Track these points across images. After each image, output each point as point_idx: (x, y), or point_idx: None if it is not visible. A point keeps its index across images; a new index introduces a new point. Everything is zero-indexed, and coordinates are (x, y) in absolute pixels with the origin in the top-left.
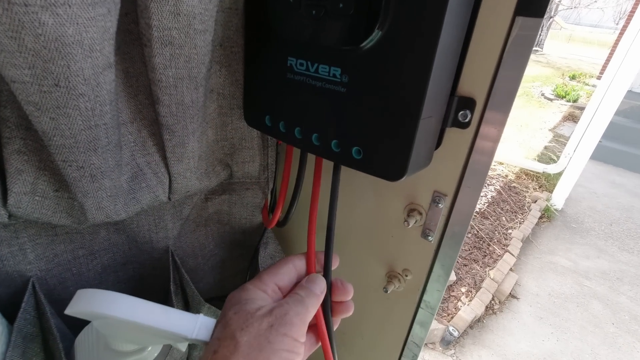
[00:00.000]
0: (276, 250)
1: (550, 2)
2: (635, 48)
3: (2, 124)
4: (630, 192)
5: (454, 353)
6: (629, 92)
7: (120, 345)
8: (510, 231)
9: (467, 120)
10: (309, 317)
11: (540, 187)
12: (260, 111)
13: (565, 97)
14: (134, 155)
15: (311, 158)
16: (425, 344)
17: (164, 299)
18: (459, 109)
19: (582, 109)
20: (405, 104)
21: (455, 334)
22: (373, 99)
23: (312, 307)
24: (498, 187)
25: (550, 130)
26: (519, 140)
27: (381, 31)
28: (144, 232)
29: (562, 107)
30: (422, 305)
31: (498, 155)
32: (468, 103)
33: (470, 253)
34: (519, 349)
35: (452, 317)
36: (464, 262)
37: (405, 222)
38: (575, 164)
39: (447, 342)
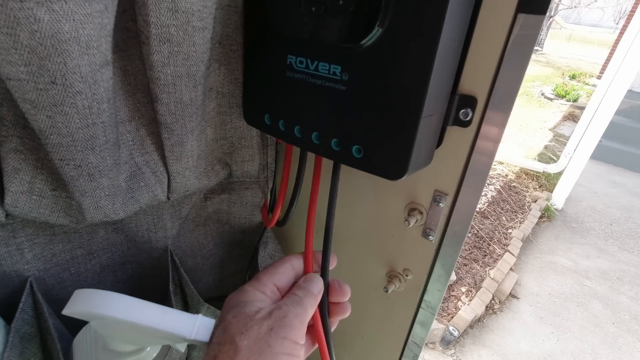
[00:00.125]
0: (276, 249)
1: (551, 0)
2: (636, 47)
3: None
4: (631, 192)
5: (454, 353)
6: (629, 91)
7: (119, 345)
8: (510, 231)
9: (468, 118)
10: (308, 317)
11: (540, 186)
12: (259, 110)
13: (565, 96)
14: (132, 154)
15: (311, 157)
16: (426, 344)
17: (162, 299)
18: (460, 108)
19: (582, 108)
20: (406, 102)
21: (456, 333)
22: (373, 97)
23: (311, 308)
24: (498, 187)
25: (550, 129)
26: (519, 139)
27: (381, 28)
28: (142, 231)
29: (562, 107)
30: (422, 305)
31: (498, 155)
32: (469, 101)
33: (471, 253)
34: (519, 348)
35: (452, 317)
36: (464, 262)
37: (406, 222)
38: (575, 164)
39: (447, 342)
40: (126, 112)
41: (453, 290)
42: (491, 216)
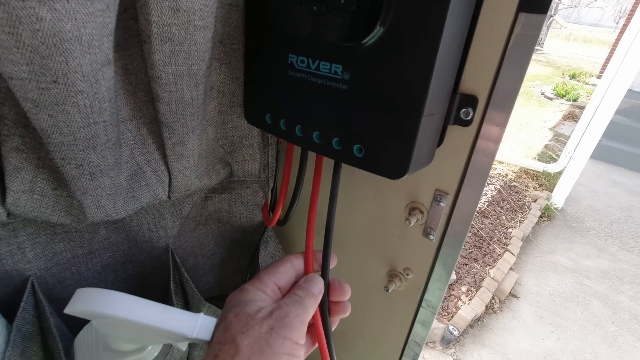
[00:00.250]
0: (276, 249)
1: None
2: (636, 47)
3: (0, 121)
4: (631, 191)
5: (454, 352)
6: (629, 91)
7: (120, 344)
8: (510, 230)
9: (469, 117)
10: (308, 317)
11: (540, 186)
12: (260, 109)
13: (565, 96)
14: (133, 153)
15: (312, 156)
16: (426, 343)
17: (163, 298)
18: (461, 107)
19: (582, 108)
20: (407, 101)
21: (456, 333)
22: (375, 96)
23: (311, 308)
24: (498, 186)
25: (550, 129)
26: (519, 139)
27: (383, 27)
28: (143, 230)
29: (562, 106)
30: (423, 304)
31: (498, 154)
32: (470, 100)
33: (471, 252)
34: (519, 348)
35: (452, 316)
36: (464, 261)
37: (407, 221)
38: (575, 163)
39: (447, 341)
40: (127, 111)
41: (453, 290)
42: (491, 215)
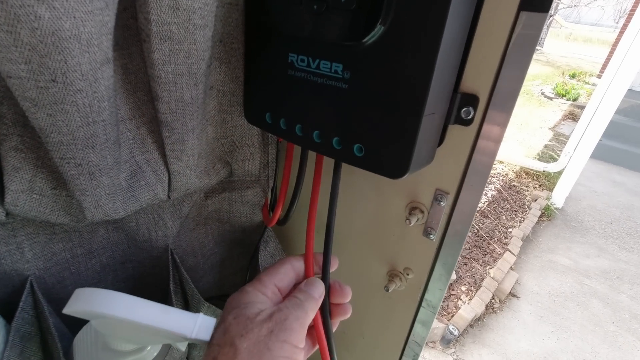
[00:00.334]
0: (276, 249)
1: None
2: (636, 47)
3: None
4: (631, 191)
5: (454, 352)
6: (629, 90)
7: (119, 344)
8: (510, 230)
9: (469, 117)
10: (308, 321)
11: (540, 185)
12: (260, 108)
13: (565, 95)
14: (132, 153)
15: (312, 156)
16: (426, 343)
17: (163, 298)
18: (462, 106)
19: (582, 107)
20: (408, 100)
21: (456, 332)
22: (375, 95)
23: (311, 311)
24: (498, 186)
25: (550, 129)
26: (519, 139)
27: (383, 26)
28: (143, 230)
29: (562, 106)
30: (423, 304)
31: (498, 154)
32: (471, 100)
33: (471, 252)
34: (519, 347)
35: (452, 316)
36: (464, 261)
37: (407, 221)
38: (575, 163)
39: (447, 341)
40: (127, 111)
41: (453, 290)
42: (491, 215)
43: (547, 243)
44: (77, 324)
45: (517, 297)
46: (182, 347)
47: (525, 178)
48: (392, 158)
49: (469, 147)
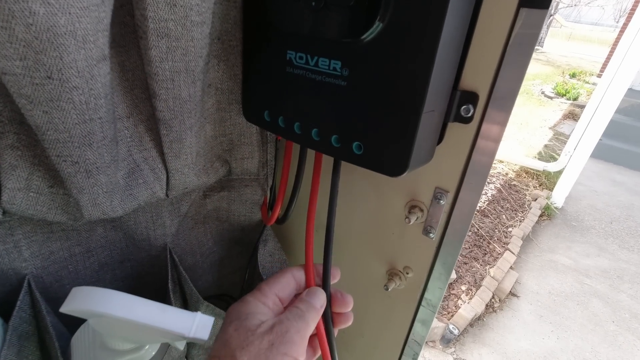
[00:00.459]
0: (275, 247)
1: None
2: (636, 46)
3: None
4: (631, 191)
5: (454, 351)
6: (630, 90)
7: (117, 344)
8: (510, 229)
9: (469, 115)
10: (309, 332)
11: (540, 185)
12: (259, 106)
13: (565, 95)
14: (130, 151)
15: (311, 154)
16: (426, 342)
17: (162, 297)
18: (462, 104)
19: (582, 107)
20: (407, 97)
21: (456, 332)
22: (374, 93)
23: (312, 322)
24: (498, 185)
25: (550, 128)
26: (519, 138)
27: (382, 23)
28: (141, 229)
29: (563, 105)
30: (423, 303)
31: (498, 154)
32: (470, 97)
33: (471, 251)
34: (519, 347)
35: (452, 316)
36: (464, 260)
37: (407, 219)
38: (575, 162)
39: (447, 341)
40: (124, 108)
41: (453, 289)
42: (491, 215)
43: (547, 242)
44: (75, 323)
45: (517, 297)
46: (181, 346)
47: (525, 177)
48: (391, 156)
49: (468, 145)
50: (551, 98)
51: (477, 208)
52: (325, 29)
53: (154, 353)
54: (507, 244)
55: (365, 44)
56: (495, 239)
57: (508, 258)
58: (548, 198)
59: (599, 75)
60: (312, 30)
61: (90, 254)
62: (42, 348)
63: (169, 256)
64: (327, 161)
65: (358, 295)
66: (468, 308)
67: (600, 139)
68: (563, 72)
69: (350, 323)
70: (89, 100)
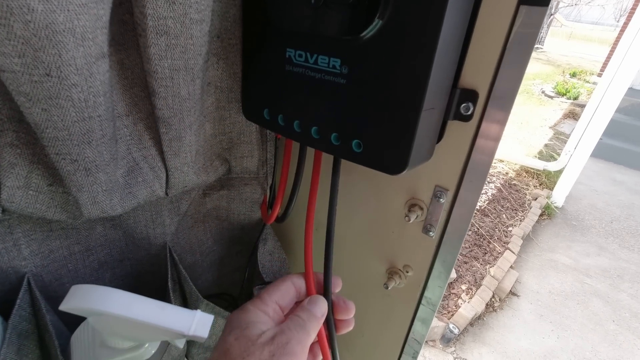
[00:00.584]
0: (275, 246)
1: None
2: (636, 45)
3: None
4: (631, 190)
5: (454, 350)
6: (630, 89)
7: (117, 342)
8: (510, 229)
9: (469, 112)
10: (310, 341)
11: (540, 184)
12: (258, 104)
13: (565, 94)
14: (129, 149)
15: (310, 152)
16: (426, 342)
17: (161, 296)
18: (461, 102)
19: (582, 106)
20: (407, 95)
21: (456, 331)
22: (373, 90)
23: (313, 332)
24: (498, 185)
25: (550, 127)
26: (519, 137)
27: (381, 20)
28: (141, 227)
29: (563, 105)
30: (423, 301)
31: (498, 153)
32: (470, 95)
33: (471, 250)
34: (520, 346)
35: (452, 315)
36: (464, 260)
37: (406, 218)
38: (575, 162)
39: (447, 340)
40: (123, 107)
41: (453, 288)
42: (491, 214)
43: (548, 242)
44: (74, 321)
45: (518, 296)
46: (180, 344)
47: (525, 177)
48: (391, 154)
49: (468, 143)
50: (551, 97)
51: (477, 207)
52: (324, 27)
53: (153, 351)
54: (508, 243)
55: (364, 42)
56: (496, 238)
57: (508, 257)
58: (548, 197)
59: (600, 75)
60: (312, 27)
61: (89, 253)
62: (41, 346)
63: (168, 255)
64: (327, 159)
65: (358, 294)
66: (468, 307)
67: (600, 138)
68: (563, 72)
69: (351, 328)
70: (88, 98)
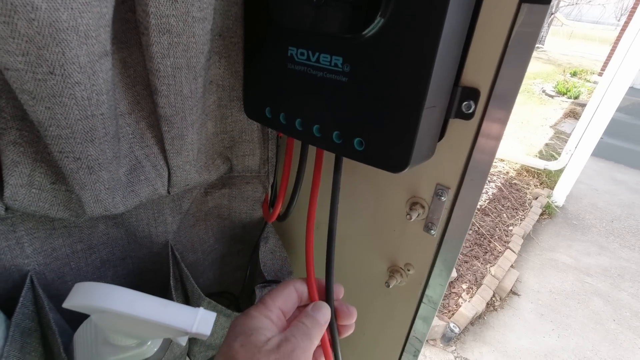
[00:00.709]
0: (277, 245)
1: None
2: (637, 44)
3: None
4: (632, 189)
5: (455, 349)
6: (631, 88)
7: (119, 339)
8: (511, 228)
9: (470, 111)
10: (314, 348)
11: (541, 183)
12: (260, 103)
13: (566, 93)
14: (132, 148)
15: (312, 151)
16: (426, 341)
17: (163, 294)
18: (463, 100)
19: (583, 105)
20: (408, 93)
21: (456, 330)
22: (375, 89)
23: (317, 339)
24: (499, 184)
25: (551, 127)
26: (519, 137)
27: (383, 18)
28: (143, 226)
29: (563, 104)
30: (424, 300)
31: (499, 152)
32: (472, 93)
33: (471, 250)
34: (520, 345)
35: (453, 314)
36: (465, 259)
37: (408, 216)
38: (576, 161)
39: (448, 339)
40: (126, 105)
41: (454, 287)
42: (492, 213)
43: (548, 241)
44: (77, 319)
45: (518, 295)
46: (183, 341)
47: (526, 176)
48: (392, 152)
49: (469, 141)
50: (552, 97)
51: (478, 207)
52: (326, 25)
53: (156, 349)
54: (508, 242)
55: (366, 40)
56: (496, 237)
57: (509, 256)
58: (549, 197)
59: (600, 74)
60: (313, 26)
61: (92, 251)
62: (44, 344)
63: (170, 253)
64: (328, 158)
65: (359, 292)
66: (469, 306)
67: (601, 138)
68: (564, 71)
69: (352, 331)
70: (91, 96)
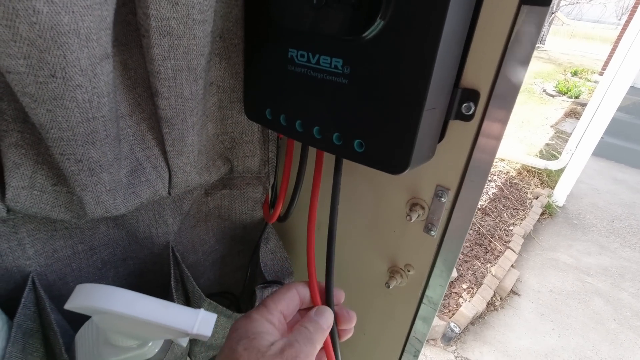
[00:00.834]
0: (277, 245)
1: None
2: (638, 44)
3: None
4: (632, 189)
5: (455, 349)
6: (631, 88)
7: (121, 340)
8: (511, 227)
9: (470, 112)
10: (316, 353)
11: (541, 183)
12: (260, 104)
13: (567, 93)
14: (133, 149)
15: (312, 152)
16: (427, 341)
17: (164, 295)
18: (463, 101)
19: (584, 105)
20: (408, 94)
21: (457, 330)
22: (375, 90)
23: (319, 344)
24: (499, 184)
25: (551, 126)
26: (520, 136)
27: (383, 20)
28: (143, 227)
29: (564, 104)
30: (424, 300)
31: (499, 152)
32: (472, 95)
33: (472, 249)
34: (520, 345)
35: (453, 314)
36: (465, 259)
37: (408, 217)
38: (576, 161)
39: (448, 339)
40: (126, 107)
41: (454, 287)
42: (492, 213)
43: (549, 241)
44: (78, 320)
45: (518, 295)
46: (184, 342)
47: (526, 176)
48: (392, 153)
49: (469, 142)
50: (553, 96)
51: (479, 206)
52: (326, 27)
53: (157, 350)
54: (509, 242)
55: (366, 42)
56: (497, 237)
57: (509, 256)
58: (549, 196)
59: (601, 73)
60: (314, 27)
61: (93, 252)
62: (46, 345)
63: (171, 254)
64: (329, 159)
65: (359, 292)
66: (469, 306)
67: (601, 137)
68: (565, 70)
69: (350, 335)
70: (92, 99)
